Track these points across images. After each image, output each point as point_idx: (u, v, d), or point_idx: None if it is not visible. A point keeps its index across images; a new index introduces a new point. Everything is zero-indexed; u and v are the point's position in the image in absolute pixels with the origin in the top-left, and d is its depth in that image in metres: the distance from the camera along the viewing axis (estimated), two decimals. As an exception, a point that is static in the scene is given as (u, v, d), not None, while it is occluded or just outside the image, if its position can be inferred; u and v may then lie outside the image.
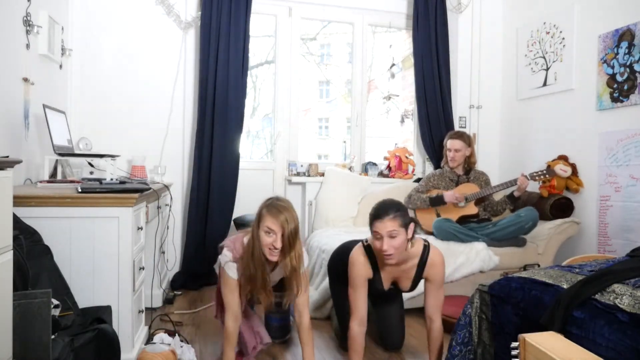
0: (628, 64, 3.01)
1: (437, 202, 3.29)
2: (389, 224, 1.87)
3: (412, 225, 1.95)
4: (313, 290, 2.95)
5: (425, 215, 3.38)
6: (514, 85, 4.03)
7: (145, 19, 3.51)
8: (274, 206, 1.93)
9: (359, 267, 2.04)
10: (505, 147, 4.18)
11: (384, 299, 2.41)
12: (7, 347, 1.25)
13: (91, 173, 2.77)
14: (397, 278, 2.13)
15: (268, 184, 3.89)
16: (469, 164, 3.41)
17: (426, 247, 2.06)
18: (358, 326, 2.03)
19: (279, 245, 1.90)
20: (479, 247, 3.01)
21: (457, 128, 4.02)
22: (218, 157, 3.46)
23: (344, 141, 4.35)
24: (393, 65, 4.15)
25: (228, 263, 2.00)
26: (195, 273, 3.48)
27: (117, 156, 2.78)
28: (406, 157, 4.07)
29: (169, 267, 3.39)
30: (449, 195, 3.25)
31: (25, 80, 2.56)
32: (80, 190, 1.97)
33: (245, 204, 3.56)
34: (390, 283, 2.15)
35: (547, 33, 3.66)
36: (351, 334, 2.03)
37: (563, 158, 3.44)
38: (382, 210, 1.91)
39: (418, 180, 3.75)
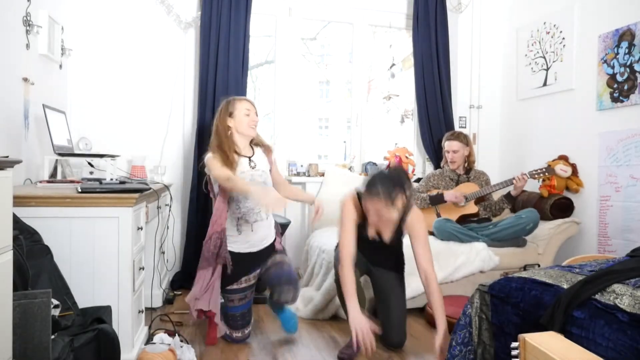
0: (628, 64, 3.01)
1: (437, 200, 3.29)
2: (377, 203, 2.13)
3: (402, 199, 2.15)
4: (314, 291, 2.94)
5: (425, 215, 3.37)
6: (514, 85, 4.03)
7: (145, 19, 3.51)
8: (238, 97, 2.50)
9: (349, 209, 2.28)
10: (505, 147, 4.18)
11: (384, 281, 2.44)
12: (7, 347, 1.25)
13: (91, 173, 2.77)
14: (382, 228, 2.28)
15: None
16: (468, 163, 3.41)
17: (410, 205, 2.26)
18: (348, 265, 2.19)
19: (257, 119, 2.46)
20: (479, 247, 3.01)
21: (457, 128, 4.02)
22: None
23: (344, 141, 4.34)
24: (393, 65, 4.15)
25: (209, 157, 2.34)
26: (195, 273, 3.47)
27: (117, 156, 2.78)
28: (406, 157, 4.07)
29: (169, 267, 3.39)
30: (449, 194, 3.25)
31: (25, 80, 2.56)
32: (80, 190, 1.97)
33: (245, 204, 3.56)
34: (375, 231, 2.31)
35: (547, 33, 3.66)
36: (342, 277, 2.19)
37: (563, 158, 3.44)
38: (378, 189, 2.13)
39: (418, 180, 3.75)
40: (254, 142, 2.55)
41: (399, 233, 2.35)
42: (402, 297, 2.47)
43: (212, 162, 2.33)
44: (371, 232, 2.33)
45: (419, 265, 2.27)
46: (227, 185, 2.27)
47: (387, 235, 2.32)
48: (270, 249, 2.50)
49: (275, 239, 2.55)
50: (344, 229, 2.28)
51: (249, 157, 2.48)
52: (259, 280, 2.51)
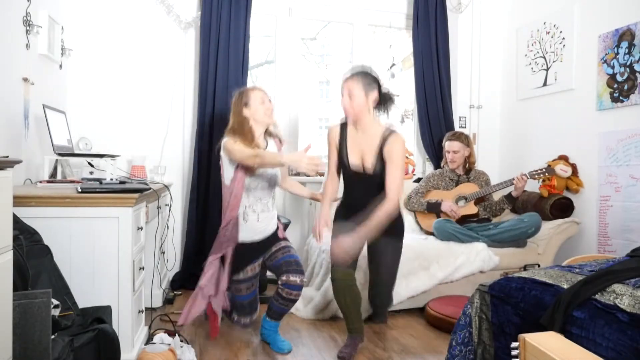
0: (628, 64, 3.01)
1: (434, 208, 3.30)
2: (350, 83, 2.21)
3: (374, 94, 2.21)
4: (314, 291, 2.95)
5: (426, 215, 3.38)
6: (514, 85, 4.03)
7: (145, 19, 3.51)
8: (250, 87, 2.53)
9: (332, 131, 2.37)
10: (505, 147, 4.18)
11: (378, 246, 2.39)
12: (7, 347, 1.25)
13: (91, 173, 2.77)
14: (363, 152, 2.27)
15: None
16: (468, 163, 3.41)
17: (392, 131, 2.26)
18: (330, 180, 2.40)
19: (271, 106, 2.47)
20: (479, 247, 3.01)
21: (457, 128, 4.02)
22: (218, 157, 3.45)
23: (344, 141, 4.34)
24: (393, 65, 4.15)
25: (227, 140, 2.35)
26: (195, 273, 3.45)
27: (117, 156, 2.78)
28: (406, 157, 4.07)
29: (169, 267, 3.39)
30: (446, 205, 3.26)
31: (25, 80, 2.56)
32: (80, 190, 1.97)
33: (245, 204, 3.56)
34: (357, 158, 2.28)
35: (547, 33, 3.66)
36: (325, 187, 2.43)
37: (563, 158, 3.44)
38: (351, 71, 2.25)
39: (418, 180, 3.75)
40: (268, 133, 2.53)
41: (381, 162, 2.24)
42: (392, 261, 2.39)
43: (233, 144, 2.31)
44: (353, 159, 2.29)
45: (386, 185, 2.22)
46: (256, 161, 2.24)
47: (369, 162, 2.25)
48: (273, 238, 2.48)
49: (277, 227, 2.54)
50: (330, 152, 2.40)
51: (264, 149, 2.47)
52: (264, 267, 2.51)
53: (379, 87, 2.25)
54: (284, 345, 2.38)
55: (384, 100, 2.28)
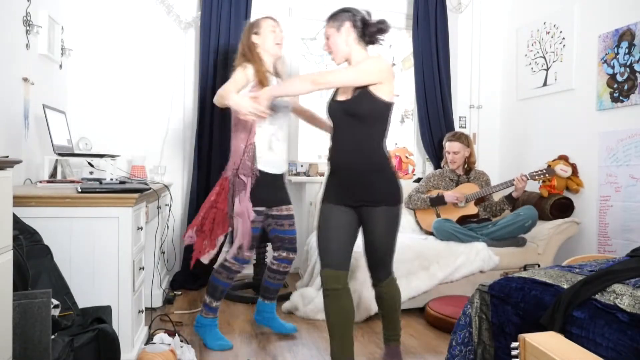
0: (628, 64, 3.01)
1: (438, 202, 3.30)
2: (324, 31, 2.05)
3: (347, 24, 1.97)
4: (314, 291, 2.94)
5: (426, 215, 3.38)
6: (514, 85, 4.03)
7: (145, 19, 3.51)
8: (260, 17, 2.43)
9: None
10: (505, 147, 4.18)
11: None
12: (7, 347, 1.25)
13: (91, 173, 2.77)
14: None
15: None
16: (468, 164, 3.42)
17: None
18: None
19: (282, 36, 2.39)
20: (479, 247, 3.01)
21: (457, 128, 4.02)
22: (218, 157, 3.46)
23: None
24: (393, 65, 4.14)
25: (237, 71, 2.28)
26: (195, 273, 3.47)
27: (117, 156, 2.78)
28: (406, 157, 4.07)
29: (169, 267, 3.39)
30: (449, 195, 3.25)
31: (25, 80, 2.56)
32: (80, 190, 1.97)
33: (245, 204, 3.56)
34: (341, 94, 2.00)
35: (547, 33, 3.66)
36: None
37: (563, 158, 3.44)
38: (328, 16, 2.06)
39: (418, 180, 3.75)
40: (274, 72, 2.46)
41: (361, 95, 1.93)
42: (386, 234, 2.00)
43: (235, 75, 2.27)
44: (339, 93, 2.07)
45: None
46: (217, 99, 2.25)
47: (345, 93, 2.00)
48: (285, 192, 2.49)
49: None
50: None
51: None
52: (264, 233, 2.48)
53: (354, 17, 2.00)
54: (289, 325, 2.39)
55: (365, 27, 2.00)
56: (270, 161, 2.36)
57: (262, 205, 2.37)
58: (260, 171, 2.33)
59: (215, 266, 2.46)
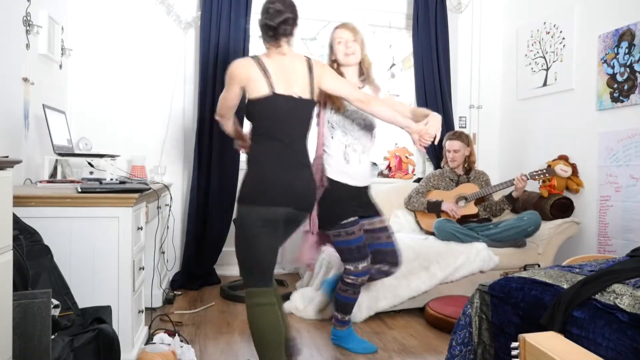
0: (628, 64, 3.01)
1: (434, 208, 3.30)
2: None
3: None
4: (314, 291, 2.94)
5: (426, 215, 3.38)
6: (514, 85, 4.03)
7: (145, 19, 3.51)
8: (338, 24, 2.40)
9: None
10: (505, 147, 4.18)
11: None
12: (7, 347, 1.25)
13: (91, 173, 2.77)
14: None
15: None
16: (469, 163, 3.42)
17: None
18: None
19: (352, 45, 2.33)
20: (479, 247, 3.01)
21: (457, 128, 4.02)
22: (218, 157, 3.46)
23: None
24: (393, 65, 4.15)
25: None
26: (195, 273, 3.47)
27: (117, 156, 2.78)
28: (406, 157, 4.07)
29: (169, 267, 3.39)
30: (447, 205, 3.25)
31: (25, 80, 2.56)
32: (80, 190, 1.97)
33: (245, 204, 3.56)
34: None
35: (547, 33, 3.66)
36: None
37: (563, 158, 3.44)
38: None
39: (418, 180, 3.75)
40: (363, 79, 2.38)
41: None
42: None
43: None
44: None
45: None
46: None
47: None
48: (368, 194, 2.38)
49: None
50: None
51: None
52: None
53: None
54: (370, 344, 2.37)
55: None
56: (346, 172, 2.26)
57: (347, 216, 2.25)
58: (335, 181, 2.24)
59: (338, 285, 2.40)
